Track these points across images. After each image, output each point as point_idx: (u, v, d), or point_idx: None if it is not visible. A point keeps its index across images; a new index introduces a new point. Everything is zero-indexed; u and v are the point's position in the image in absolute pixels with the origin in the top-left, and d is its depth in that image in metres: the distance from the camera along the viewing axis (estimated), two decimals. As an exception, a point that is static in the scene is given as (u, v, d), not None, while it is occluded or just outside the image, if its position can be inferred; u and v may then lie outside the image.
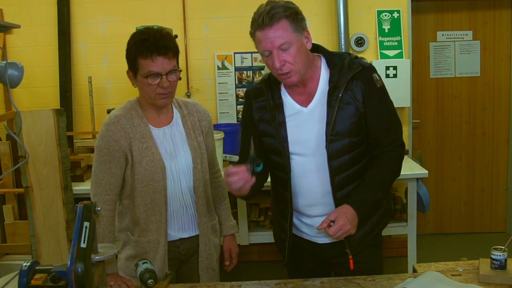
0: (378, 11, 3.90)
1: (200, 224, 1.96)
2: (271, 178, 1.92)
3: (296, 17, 1.61)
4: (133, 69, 1.79)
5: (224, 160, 3.49)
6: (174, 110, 1.95)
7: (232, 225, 2.15)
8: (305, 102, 1.76)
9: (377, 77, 1.74)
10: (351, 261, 1.75)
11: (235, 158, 3.62)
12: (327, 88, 1.72)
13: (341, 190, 1.75)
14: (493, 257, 1.70)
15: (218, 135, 3.39)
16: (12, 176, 3.72)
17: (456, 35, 4.24)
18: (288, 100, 1.78)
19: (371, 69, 1.74)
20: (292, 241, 1.89)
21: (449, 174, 4.45)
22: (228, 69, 3.95)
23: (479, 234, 4.47)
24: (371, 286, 1.69)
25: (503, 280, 1.66)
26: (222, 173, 1.75)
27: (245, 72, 3.96)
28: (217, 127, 3.75)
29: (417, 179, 3.30)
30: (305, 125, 1.75)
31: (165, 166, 1.85)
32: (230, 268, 2.14)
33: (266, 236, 3.42)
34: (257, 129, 1.82)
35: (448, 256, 3.93)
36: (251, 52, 3.93)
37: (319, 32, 3.93)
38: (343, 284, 1.72)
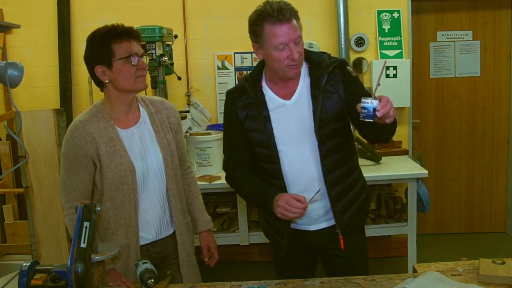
0: (378, 11, 3.89)
1: (176, 222, 1.96)
2: (262, 171, 1.96)
3: (298, 17, 1.79)
4: (107, 58, 1.75)
5: (224, 160, 3.48)
6: (141, 109, 1.93)
7: (208, 221, 2.14)
8: (287, 96, 1.89)
9: (351, 69, 1.92)
10: (341, 241, 1.91)
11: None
12: (308, 80, 1.88)
13: (330, 174, 1.87)
14: (362, 105, 1.55)
15: (218, 135, 3.39)
16: (12, 176, 3.72)
17: (456, 35, 4.24)
18: (270, 95, 1.90)
19: (346, 61, 1.93)
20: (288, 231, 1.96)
21: (449, 174, 4.45)
22: (228, 69, 3.95)
23: (479, 234, 4.47)
24: (371, 286, 1.69)
25: (503, 280, 1.66)
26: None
27: (245, 72, 3.95)
28: (217, 127, 3.75)
29: (417, 179, 3.30)
30: (290, 117, 1.87)
31: (134, 169, 1.82)
32: (213, 263, 2.14)
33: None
34: (243, 127, 1.91)
35: (448, 256, 3.93)
36: (251, 52, 3.92)
37: (319, 32, 3.93)
38: (343, 284, 1.72)
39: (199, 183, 3.13)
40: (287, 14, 1.72)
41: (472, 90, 4.33)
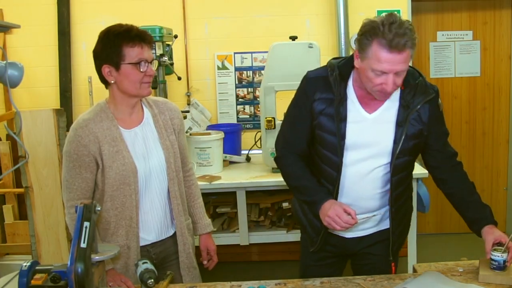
0: (378, 11, 3.89)
1: (176, 224, 1.95)
2: (315, 169, 1.88)
3: (415, 44, 1.61)
4: (116, 60, 1.74)
5: (224, 160, 3.48)
6: (145, 109, 1.92)
7: (207, 223, 2.14)
8: (370, 108, 1.78)
9: (440, 101, 1.83)
10: (393, 268, 1.92)
11: (235, 158, 3.62)
12: (396, 103, 1.77)
13: (396, 204, 1.85)
14: (493, 257, 1.70)
15: (218, 135, 3.39)
16: (12, 176, 3.72)
17: (456, 35, 4.24)
18: (352, 99, 1.78)
19: (438, 94, 1.81)
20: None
21: (449, 174, 4.44)
22: (228, 69, 3.95)
23: (479, 234, 4.46)
24: (371, 286, 1.69)
25: (503, 280, 1.66)
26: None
27: (245, 72, 3.95)
28: (217, 127, 3.75)
29: (417, 179, 3.30)
30: (366, 131, 1.77)
31: (136, 169, 1.81)
32: (212, 266, 2.13)
33: (266, 236, 3.41)
34: (314, 121, 1.80)
35: (448, 256, 3.93)
36: (251, 52, 3.92)
37: (319, 32, 3.92)
38: (343, 284, 1.72)
39: (199, 183, 3.15)
40: (401, 43, 1.54)
41: (472, 90, 4.33)
